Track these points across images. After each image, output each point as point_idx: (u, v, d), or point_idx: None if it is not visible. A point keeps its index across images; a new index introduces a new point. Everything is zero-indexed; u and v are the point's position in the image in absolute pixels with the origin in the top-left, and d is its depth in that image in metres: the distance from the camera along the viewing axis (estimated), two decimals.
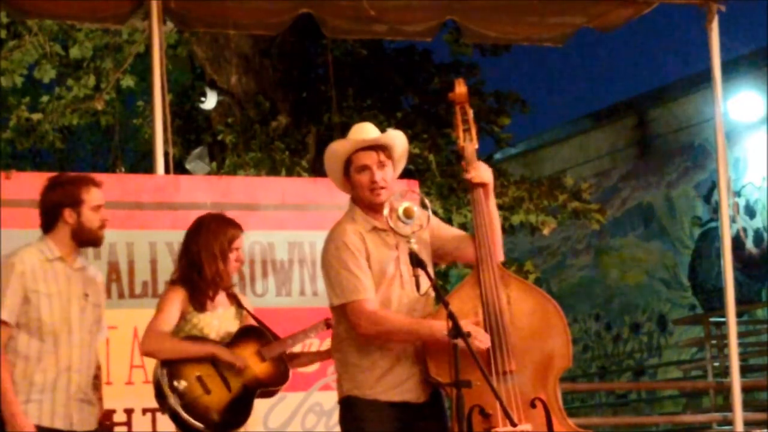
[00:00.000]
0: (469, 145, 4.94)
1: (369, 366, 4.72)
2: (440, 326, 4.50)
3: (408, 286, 4.74)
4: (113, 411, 5.92)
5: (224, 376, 5.11)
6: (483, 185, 4.84)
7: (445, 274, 11.36)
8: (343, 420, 4.82)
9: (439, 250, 4.93)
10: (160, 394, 5.08)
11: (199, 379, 5.08)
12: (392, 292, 4.74)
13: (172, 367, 5.07)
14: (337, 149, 4.84)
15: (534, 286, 5.00)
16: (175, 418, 5.06)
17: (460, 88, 5.01)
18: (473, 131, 4.96)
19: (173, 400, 5.01)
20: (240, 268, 5.40)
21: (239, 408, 5.10)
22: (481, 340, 4.60)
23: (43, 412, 4.80)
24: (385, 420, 4.69)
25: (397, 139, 4.88)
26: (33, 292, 4.81)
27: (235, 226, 5.29)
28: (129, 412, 6.01)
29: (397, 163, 4.89)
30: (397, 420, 4.70)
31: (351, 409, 4.77)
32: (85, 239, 4.96)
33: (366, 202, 4.79)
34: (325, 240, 4.84)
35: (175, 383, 5.04)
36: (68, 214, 4.91)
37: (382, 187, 4.75)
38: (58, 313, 4.85)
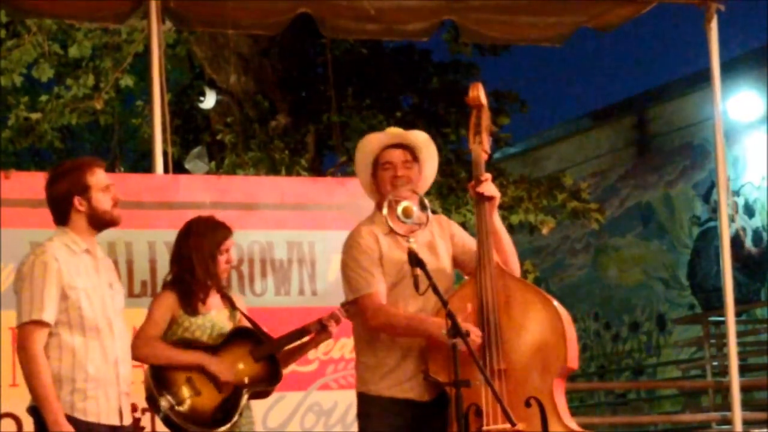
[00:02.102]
0: (478, 147, 4.98)
1: (375, 363, 4.84)
2: (441, 324, 4.56)
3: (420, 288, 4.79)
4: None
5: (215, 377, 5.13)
6: (491, 199, 4.90)
7: None
8: (357, 417, 4.96)
9: (455, 260, 5.05)
10: (150, 397, 5.09)
11: (189, 380, 5.09)
12: (400, 292, 4.84)
13: (162, 369, 5.09)
14: (368, 145, 5.00)
15: (534, 287, 5.03)
16: (165, 420, 5.07)
17: (474, 92, 5.04)
18: (484, 135, 4.99)
19: (164, 403, 5.03)
20: (230, 270, 5.40)
21: (229, 408, 5.11)
22: (473, 338, 4.64)
23: (101, 409, 4.67)
24: (389, 415, 4.78)
25: (422, 141, 5.03)
26: (71, 289, 4.65)
27: (224, 228, 5.28)
28: None
29: (424, 164, 5.02)
30: (401, 416, 4.77)
31: (360, 406, 4.92)
32: (102, 222, 4.80)
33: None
34: (344, 242, 5.00)
35: (165, 386, 5.06)
36: (79, 203, 4.74)
37: (403, 182, 4.87)
38: (98, 307, 4.72)
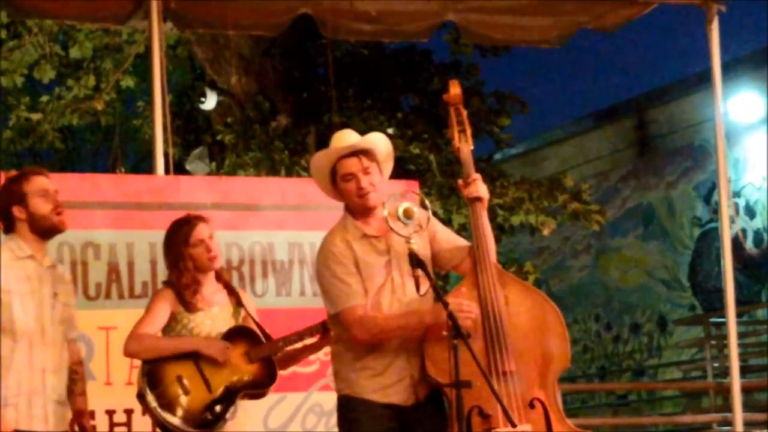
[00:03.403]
0: (465, 146, 4.96)
1: (361, 366, 4.75)
2: (430, 312, 4.56)
3: (399, 291, 4.76)
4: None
5: (206, 376, 5.11)
6: (481, 199, 4.87)
7: (445, 276, 11.36)
8: (338, 419, 4.86)
9: (436, 258, 4.94)
10: (140, 394, 5.11)
11: (179, 379, 5.09)
12: (383, 298, 4.75)
13: (153, 366, 5.10)
14: (320, 160, 4.87)
15: (532, 287, 5.02)
16: (153, 417, 5.09)
17: (455, 90, 5.04)
18: (468, 132, 4.98)
19: (152, 400, 5.04)
20: (214, 258, 5.29)
21: (219, 409, 5.10)
22: (468, 311, 4.60)
23: (21, 415, 4.72)
24: (375, 419, 4.70)
25: (378, 141, 4.91)
26: (5, 293, 4.73)
27: (189, 222, 5.29)
28: (129, 412, 6.01)
29: (383, 164, 4.91)
30: (387, 420, 4.71)
31: (344, 408, 4.81)
32: (43, 228, 4.89)
33: (357, 208, 4.81)
34: (317, 251, 4.88)
35: (155, 383, 5.06)
36: (18, 211, 4.86)
37: (368, 192, 4.77)
38: (31, 313, 4.77)
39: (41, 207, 4.87)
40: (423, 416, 4.75)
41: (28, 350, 4.76)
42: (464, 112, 5.01)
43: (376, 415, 4.70)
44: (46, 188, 4.90)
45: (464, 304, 4.62)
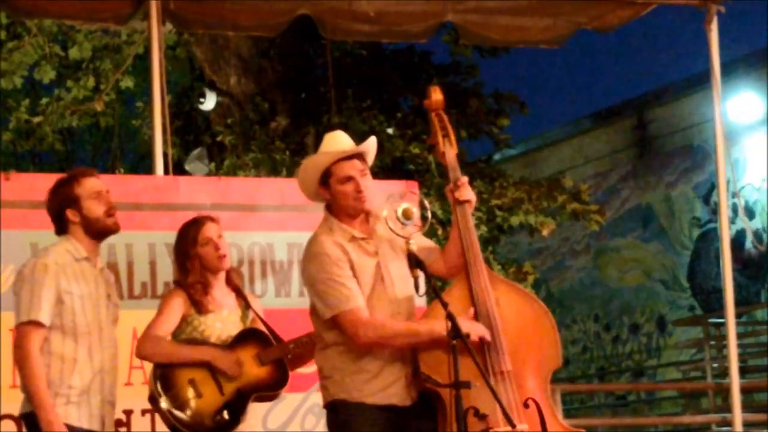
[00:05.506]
0: (450, 150, 4.94)
1: (356, 370, 4.69)
2: (440, 326, 4.51)
3: (390, 290, 4.74)
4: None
5: (218, 379, 5.13)
6: (469, 202, 4.86)
7: None
8: (331, 424, 4.78)
9: None
10: (152, 397, 5.12)
11: (192, 382, 5.10)
12: (375, 298, 4.71)
13: (165, 369, 5.11)
14: (320, 160, 4.79)
15: (520, 288, 5.02)
16: (165, 420, 5.09)
17: (436, 96, 5.00)
18: (452, 136, 4.95)
19: (164, 403, 5.05)
20: (222, 257, 5.28)
21: (231, 412, 5.12)
22: (481, 333, 4.61)
23: (82, 414, 4.76)
24: (372, 423, 4.64)
25: (374, 147, 4.89)
26: (66, 293, 4.75)
27: (197, 223, 5.30)
28: (128, 413, 6.00)
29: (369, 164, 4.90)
30: (384, 423, 4.66)
31: (338, 413, 4.73)
32: (98, 230, 4.90)
33: (349, 210, 4.77)
34: (304, 255, 4.79)
35: (167, 386, 5.07)
36: (71, 215, 4.86)
37: (367, 195, 4.75)
38: (90, 314, 4.81)
39: (95, 209, 4.87)
40: (417, 417, 4.73)
41: (89, 351, 4.79)
42: (446, 117, 4.98)
43: (373, 419, 4.66)
44: (99, 189, 4.90)
45: (478, 327, 4.62)
